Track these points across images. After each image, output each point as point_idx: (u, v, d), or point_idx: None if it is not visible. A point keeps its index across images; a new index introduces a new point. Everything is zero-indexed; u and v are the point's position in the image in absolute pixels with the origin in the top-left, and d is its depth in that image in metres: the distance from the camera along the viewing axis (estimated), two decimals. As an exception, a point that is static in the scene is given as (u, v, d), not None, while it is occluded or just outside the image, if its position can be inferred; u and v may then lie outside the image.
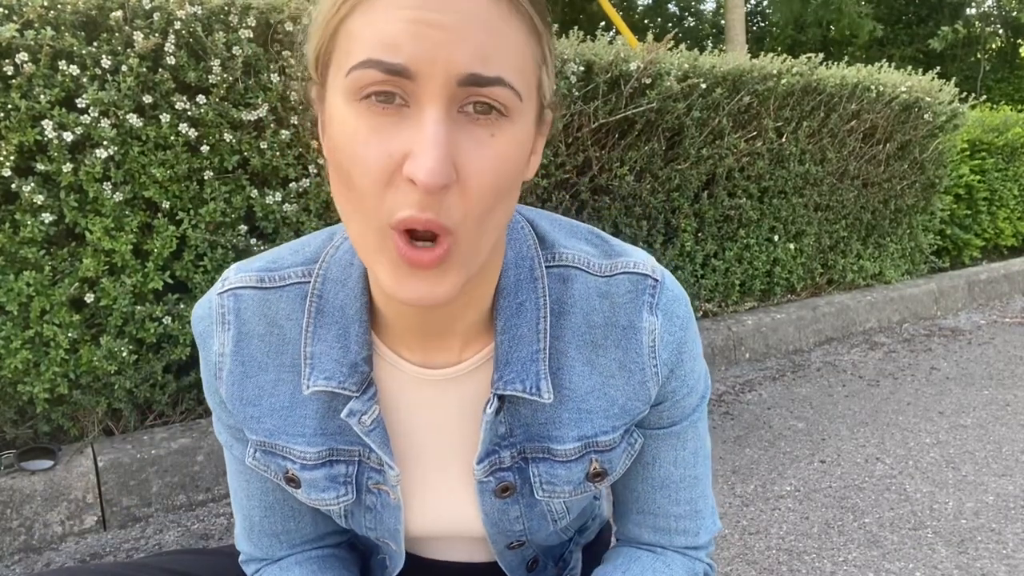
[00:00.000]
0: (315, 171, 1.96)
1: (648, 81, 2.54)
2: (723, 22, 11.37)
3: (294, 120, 1.89)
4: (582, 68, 2.41)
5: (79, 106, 1.63)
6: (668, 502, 0.70)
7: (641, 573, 0.69)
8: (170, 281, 1.80)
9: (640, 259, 0.64)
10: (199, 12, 1.74)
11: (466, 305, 0.60)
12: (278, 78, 1.85)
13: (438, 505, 0.68)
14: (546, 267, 0.63)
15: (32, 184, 1.62)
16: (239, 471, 0.71)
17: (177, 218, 1.80)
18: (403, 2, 0.44)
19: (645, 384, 0.63)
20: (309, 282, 0.62)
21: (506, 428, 0.63)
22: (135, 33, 1.66)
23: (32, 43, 1.57)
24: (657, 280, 0.63)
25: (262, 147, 1.86)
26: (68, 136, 1.61)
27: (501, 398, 0.61)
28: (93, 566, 0.67)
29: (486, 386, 0.63)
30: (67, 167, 1.63)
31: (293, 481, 0.66)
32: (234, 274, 0.64)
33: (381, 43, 0.45)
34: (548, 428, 0.64)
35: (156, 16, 1.68)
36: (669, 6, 17.19)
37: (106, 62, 1.64)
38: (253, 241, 1.90)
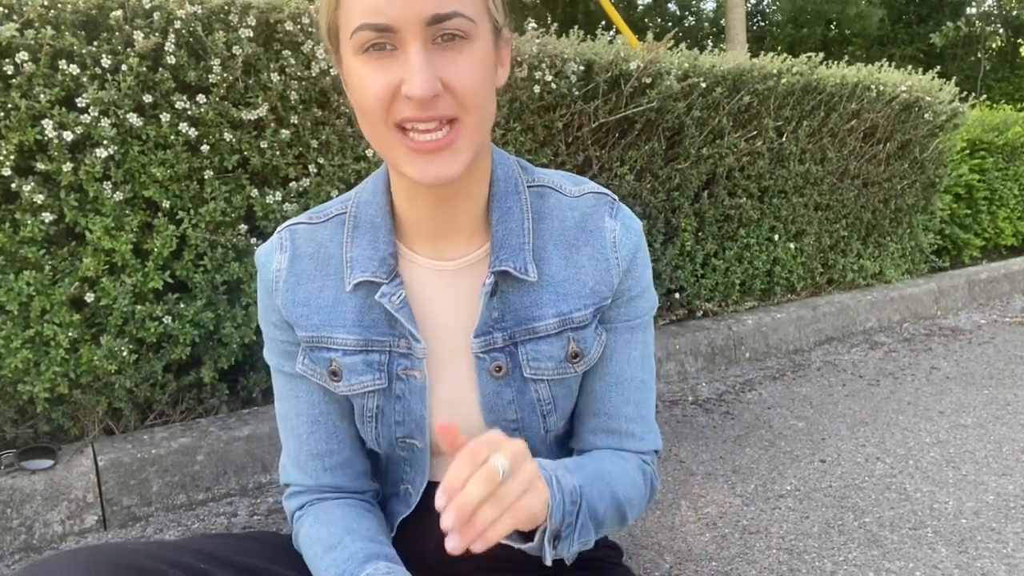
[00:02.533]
0: (315, 170, 1.96)
1: (648, 80, 2.54)
2: (723, 21, 11.37)
3: (294, 120, 1.89)
4: (582, 67, 2.41)
5: (79, 105, 1.63)
6: (621, 400, 0.84)
7: (604, 458, 0.82)
8: (170, 281, 1.80)
9: (602, 189, 0.83)
10: (199, 11, 1.74)
11: (466, 200, 0.76)
12: (278, 77, 1.85)
13: (446, 392, 0.80)
14: (527, 186, 0.81)
15: (32, 183, 1.62)
16: (289, 390, 0.84)
17: (177, 217, 1.80)
18: None
19: (609, 272, 0.80)
20: (347, 212, 0.80)
21: (499, 313, 0.78)
22: (135, 32, 1.66)
23: (32, 42, 1.57)
24: (615, 199, 0.83)
25: (262, 146, 1.86)
26: (68, 135, 1.61)
27: (496, 275, 0.76)
28: (128, 543, 0.71)
29: (486, 274, 0.78)
30: (67, 166, 1.63)
31: (336, 375, 0.79)
32: (287, 224, 0.83)
33: (367, 11, 0.62)
34: (532, 310, 0.78)
35: (156, 15, 1.68)
36: (669, 5, 17.18)
37: (106, 61, 1.64)
38: (253, 240, 1.90)
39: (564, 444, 0.91)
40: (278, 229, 0.83)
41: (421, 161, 0.66)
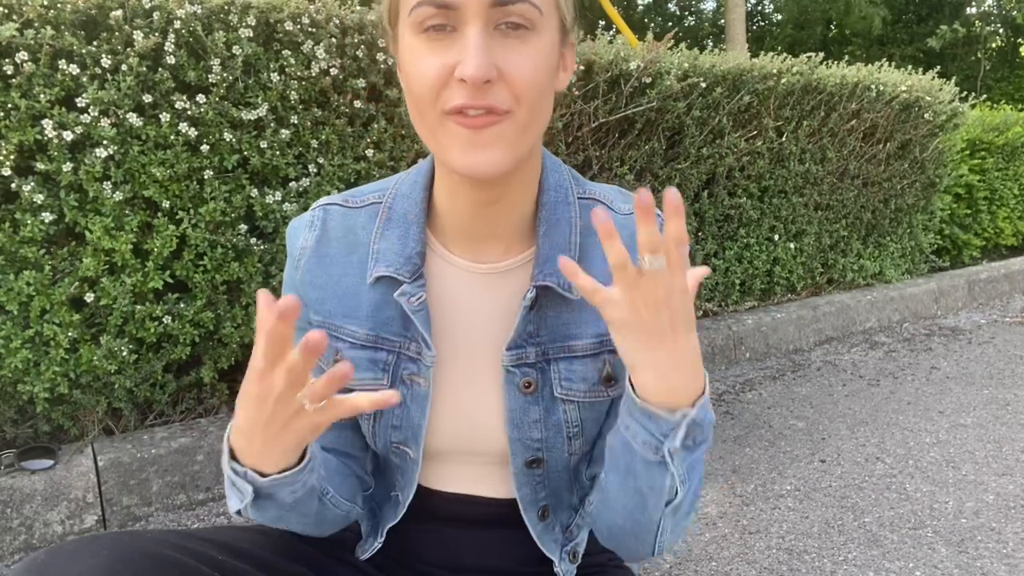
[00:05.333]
0: (315, 170, 1.96)
1: (648, 80, 2.54)
2: (723, 21, 11.37)
3: (294, 119, 1.89)
4: (582, 67, 2.41)
5: (79, 105, 1.63)
6: None
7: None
8: (170, 280, 1.80)
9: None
10: (199, 11, 1.74)
11: (510, 206, 0.73)
12: (278, 77, 1.85)
13: (465, 401, 0.77)
14: (577, 198, 0.78)
15: (32, 183, 1.62)
16: None
17: (177, 217, 1.80)
18: None
19: None
20: (383, 202, 0.78)
21: (535, 327, 0.75)
22: (135, 32, 1.66)
23: (32, 42, 1.57)
24: (663, 221, 0.79)
25: (262, 146, 1.86)
26: (68, 135, 1.61)
27: (537, 289, 0.73)
28: (146, 532, 0.70)
29: (524, 284, 0.76)
30: (67, 166, 1.63)
31: None
32: (323, 201, 0.81)
33: None
34: (570, 327, 0.75)
35: (156, 15, 1.68)
36: (669, 5, 17.18)
37: (106, 61, 1.64)
38: (253, 240, 1.90)
39: (580, 473, 0.86)
40: (313, 206, 0.81)
41: (469, 144, 0.62)
